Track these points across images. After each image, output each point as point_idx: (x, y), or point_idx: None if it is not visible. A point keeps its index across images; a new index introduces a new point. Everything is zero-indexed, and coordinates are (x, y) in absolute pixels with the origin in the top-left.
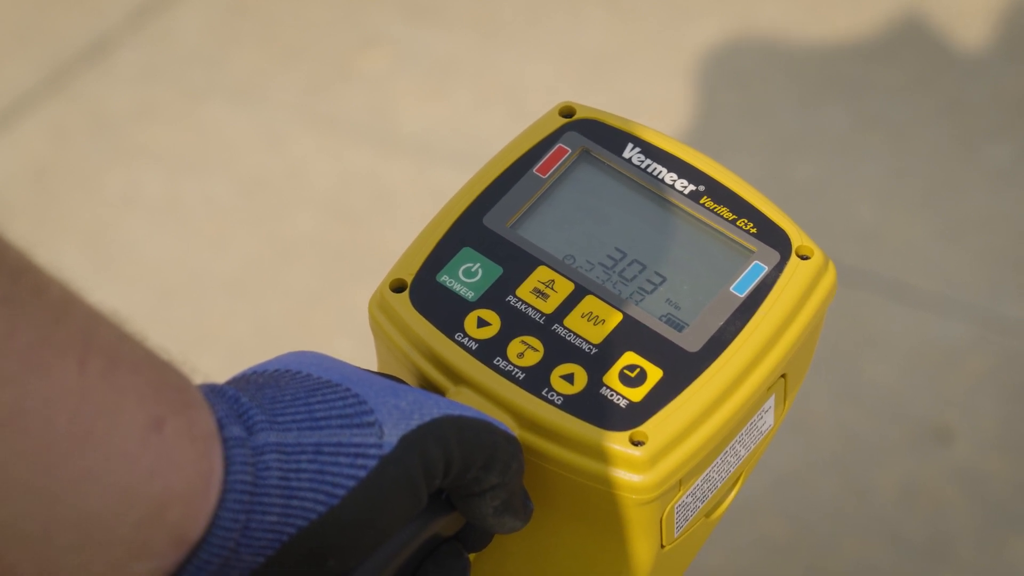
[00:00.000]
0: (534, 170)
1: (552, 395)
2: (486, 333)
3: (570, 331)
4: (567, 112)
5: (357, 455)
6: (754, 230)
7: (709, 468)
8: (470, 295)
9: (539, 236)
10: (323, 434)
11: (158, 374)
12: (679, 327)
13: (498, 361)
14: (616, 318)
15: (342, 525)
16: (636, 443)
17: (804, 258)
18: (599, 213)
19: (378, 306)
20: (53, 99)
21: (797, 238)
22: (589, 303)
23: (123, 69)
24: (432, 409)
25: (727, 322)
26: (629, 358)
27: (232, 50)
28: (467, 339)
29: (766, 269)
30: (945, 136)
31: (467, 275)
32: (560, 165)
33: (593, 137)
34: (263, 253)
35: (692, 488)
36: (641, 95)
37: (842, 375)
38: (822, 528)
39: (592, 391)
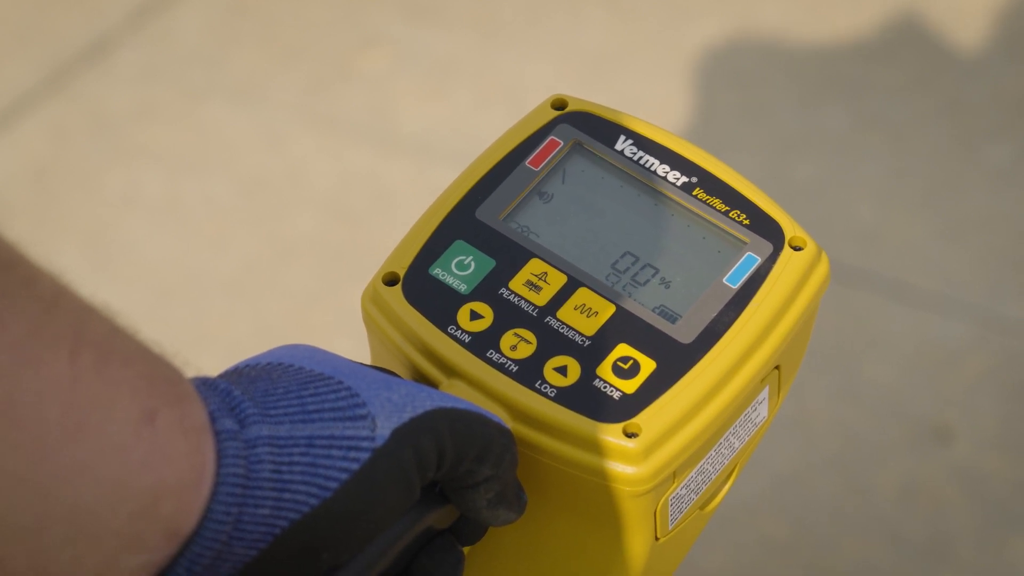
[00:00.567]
0: (526, 163)
1: (545, 387)
2: (479, 326)
3: (563, 323)
4: (559, 104)
5: (350, 448)
6: (747, 221)
7: (703, 460)
8: (463, 288)
9: (532, 228)
10: (315, 427)
11: (150, 367)
12: (672, 319)
13: (491, 354)
14: (609, 310)
15: (335, 518)
16: (629, 435)
17: (797, 249)
18: (592, 205)
19: (371, 299)
20: (53, 99)
21: (790, 229)
22: (582, 295)
23: (123, 69)
24: (425, 402)
25: (720, 313)
26: (622, 350)
27: (232, 50)
28: (460, 332)
29: (759, 260)
30: (945, 136)
31: (460, 268)
32: (552, 158)
33: (585, 129)
34: (263, 253)
35: (686, 480)
36: (641, 95)
37: (842, 375)
38: (822, 528)
39: (585, 383)
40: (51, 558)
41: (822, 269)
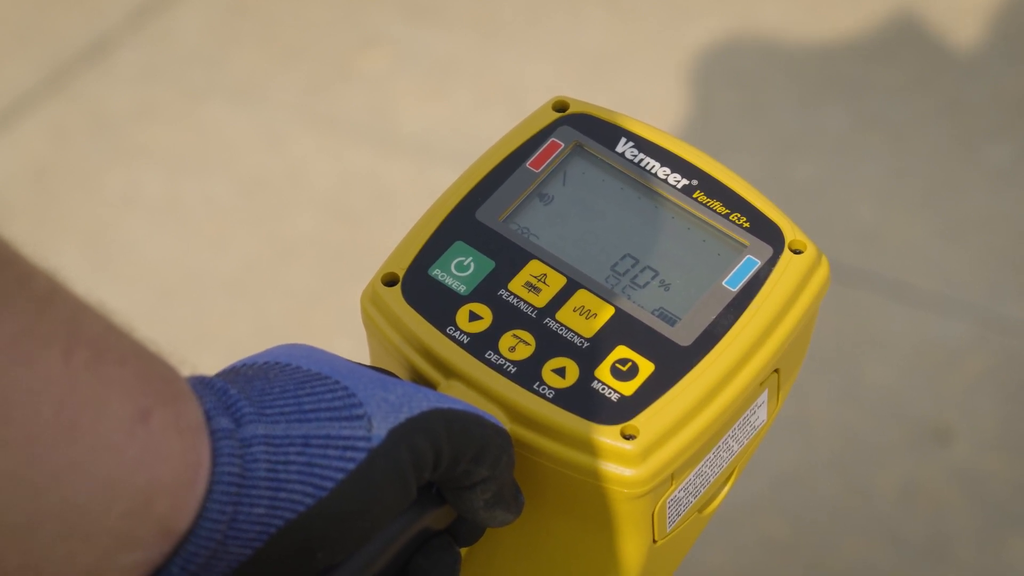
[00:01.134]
0: (527, 164)
1: (544, 389)
2: (478, 327)
3: (562, 325)
4: (560, 106)
5: (346, 448)
6: (747, 224)
7: (701, 463)
8: (462, 289)
9: (531, 230)
10: (311, 426)
11: (145, 365)
12: (671, 321)
13: (490, 355)
14: (608, 312)
15: (331, 518)
16: (627, 437)
17: (797, 252)
18: (592, 207)
19: (370, 300)
20: (53, 99)
21: (790, 232)
22: (581, 297)
23: (123, 69)
24: (422, 402)
25: (719, 316)
26: (621, 352)
27: (232, 50)
28: (459, 333)
29: (759, 263)
30: (945, 136)
31: (459, 269)
32: (553, 159)
33: (586, 131)
34: (263, 253)
35: (684, 483)
36: (641, 95)
37: (842, 375)
38: (822, 528)
39: (584, 385)
40: (44, 556)
41: (822, 272)
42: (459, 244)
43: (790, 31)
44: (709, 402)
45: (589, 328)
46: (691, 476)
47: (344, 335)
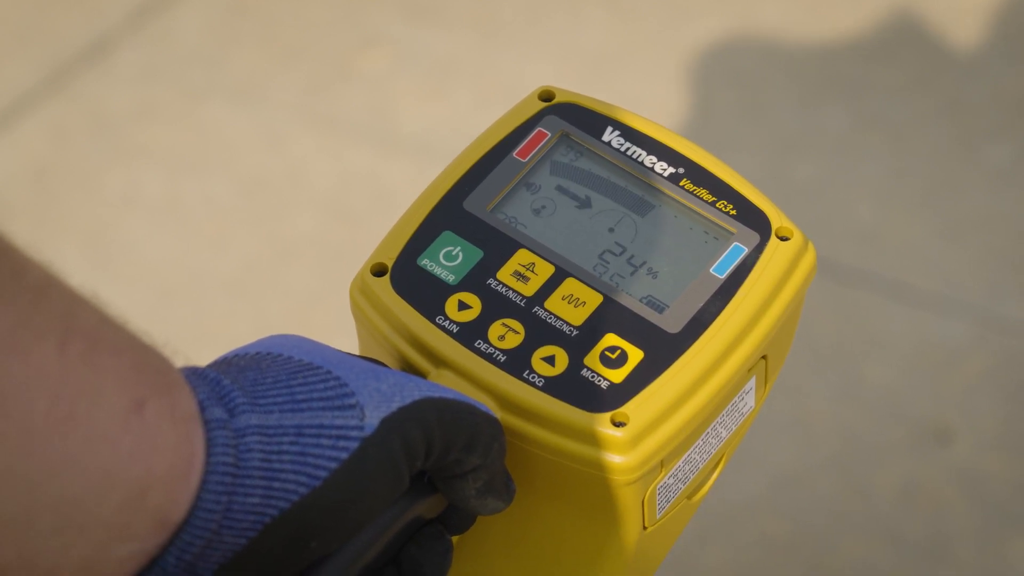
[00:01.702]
0: (514, 154)
1: (533, 377)
2: (467, 316)
3: (551, 313)
4: (546, 96)
5: (339, 437)
6: (734, 212)
7: (691, 449)
8: (451, 278)
9: (519, 219)
10: (304, 416)
11: (139, 356)
12: (660, 308)
13: (479, 344)
14: (596, 300)
15: (324, 507)
16: (617, 424)
17: (784, 239)
18: (579, 196)
19: (359, 290)
20: (53, 99)
21: (777, 219)
22: (570, 285)
23: (123, 69)
24: (413, 391)
25: (707, 303)
26: (610, 340)
27: (232, 50)
28: (448, 322)
29: (746, 250)
30: (945, 136)
31: (448, 259)
32: (540, 149)
33: (572, 121)
34: (263, 253)
35: (674, 469)
36: (641, 95)
37: (842, 375)
38: (822, 528)
39: (573, 373)
40: (39, 549)
41: (809, 259)
42: (447, 234)
43: (790, 31)
44: (698, 389)
45: (578, 316)
46: (680, 462)
47: (344, 335)
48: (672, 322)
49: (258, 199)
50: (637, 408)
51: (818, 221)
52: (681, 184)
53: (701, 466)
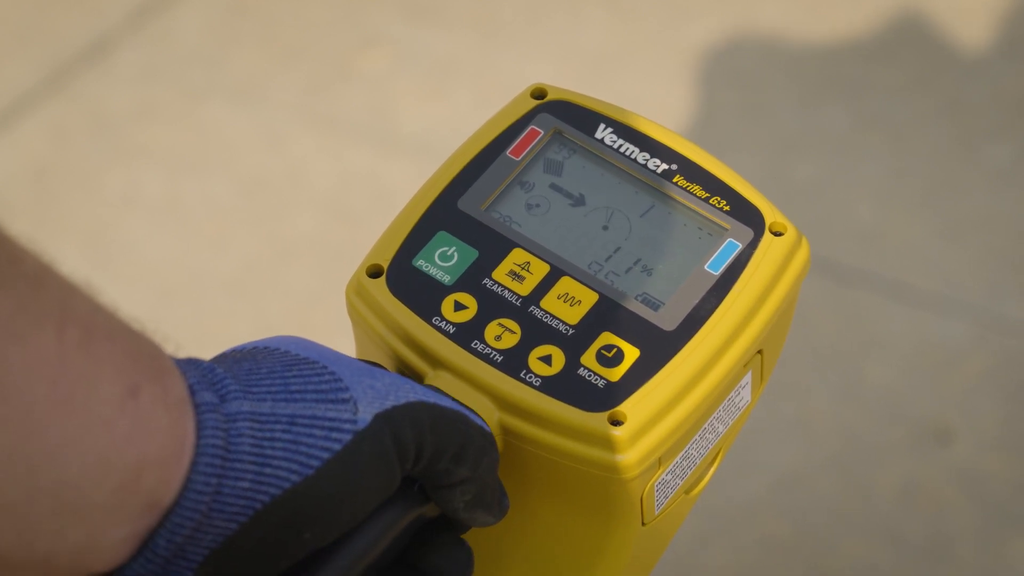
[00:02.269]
0: (507, 152)
1: (530, 377)
2: (463, 316)
3: (547, 313)
4: (539, 94)
5: (331, 428)
6: (727, 208)
7: (688, 445)
8: (446, 279)
9: (514, 218)
10: (298, 406)
11: (132, 343)
12: (655, 306)
13: (476, 344)
14: (592, 299)
15: (317, 497)
16: (615, 423)
17: (777, 234)
18: (572, 194)
19: (355, 292)
20: (53, 99)
21: (770, 215)
22: (565, 284)
23: (123, 69)
24: (408, 393)
25: (703, 300)
26: (606, 338)
27: (232, 50)
28: (444, 323)
29: (740, 246)
30: (945, 136)
31: (443, 259)
32: (533, 147)
33: (565, 118)
34: (263, 253)
35: (672, 465)
36: (641, 95)
37: (842, 375)
38: (822, 528)
39: (570, 372)
40: (37, 531)
41: (803, 254)
42: (442, 234)
43: (790, 31)
44: (695, 385)
45: (574, 315)
46: (678, 459)
47: (343, 335)
48: (667, 319)
49: (258, 199)
50: (634, 406)
51: (818, 221)
52: (674, 180)
53: (699, 461)
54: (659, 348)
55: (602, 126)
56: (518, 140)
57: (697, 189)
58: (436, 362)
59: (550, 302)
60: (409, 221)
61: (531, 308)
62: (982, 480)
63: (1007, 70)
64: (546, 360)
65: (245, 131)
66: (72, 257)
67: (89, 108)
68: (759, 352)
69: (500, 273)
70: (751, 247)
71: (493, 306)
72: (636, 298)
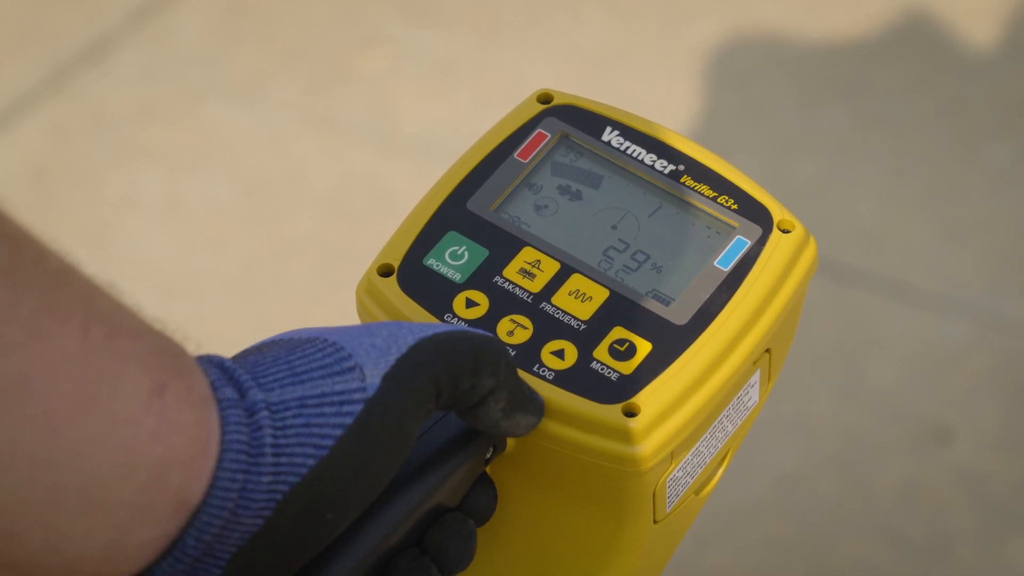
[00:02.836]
0: (515, 155)
1: (543, 371)
2: (475, 313)
3: (558, 308)
4: (545, 98)
5: (342, 403)
6: (735, 206)
7: (699, 442)
8: (457, 277)
9: (523, 219)
10: (305, 387)
11: (156, 341)
12: (666, 302)
13: None
14: (603, 295)
15: (334, 476)
16: (629, 414)
17: (785, 232)
18: (580, 195)
19: (366, 291)
20: (53, 99)
21: (778, 212)
22: (576, 281)
23: (123, 69)
24: (407, 337)
25: (713, 295)
26: (618, 332)
27: (232, 50)
28: (456, 320)
29: (749, 243)
30: (945, 136)
31: (453, 258)
32: (540, 150)
33: (572, 122)
34: (263, 253)
35: (683, 462)
36: (641, 95)
37: (842, 375)
38: (823, 528)
39: (583, 366)
40: (65, 533)
41: (810, 251)
42: (452, 234)
43: (790, 31)
44: (708, 378)
45: (585, 311)
46: (689, 455)
47: None
48: (679, 314)
49: (258, 199)
50: (648, 398)
51: (818, 221)
52: (682, 181)
53: (708, 460)
54: (671, 341)
55: (608, 129)
56: (525, 143)
57: (705, 188)
58: None
59: (561, 298)
60: (419, 222)
61: (542, 304)
62: (982, 480)
63: (1007, 70)
64: (559, 354)
65: (245, 131)
66: (72, 257)
67: (89, 108)
68: (767, 351)
69: (511, 271)
70: (760, 244)
71: (505, 303)
72: (647, 294)
